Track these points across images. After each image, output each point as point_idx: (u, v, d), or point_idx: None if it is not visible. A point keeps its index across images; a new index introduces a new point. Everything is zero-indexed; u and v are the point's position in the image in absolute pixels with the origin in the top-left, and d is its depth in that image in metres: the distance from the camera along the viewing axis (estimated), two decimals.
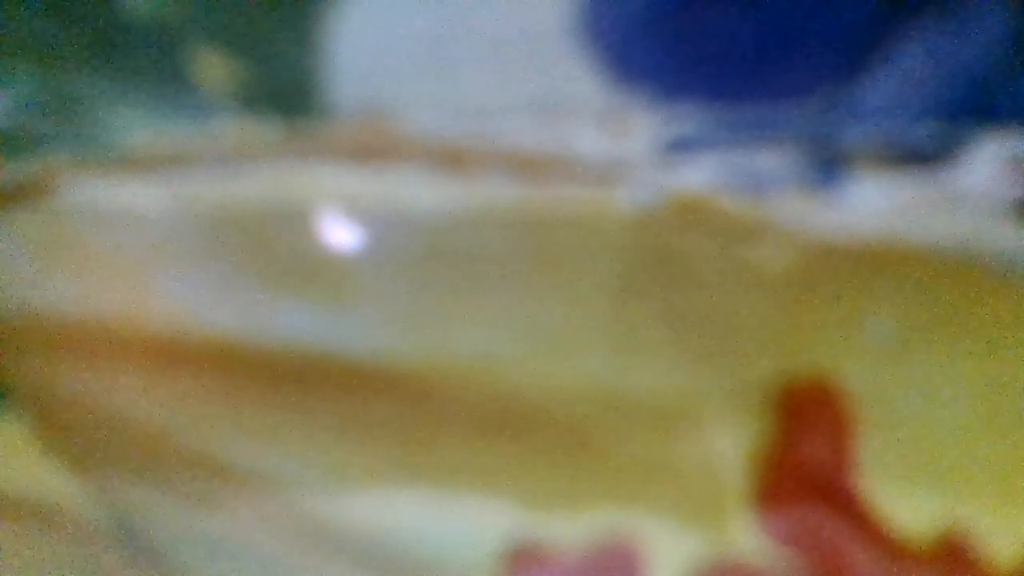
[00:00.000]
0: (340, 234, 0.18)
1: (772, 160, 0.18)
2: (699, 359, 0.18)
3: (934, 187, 0.18)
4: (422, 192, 0.18)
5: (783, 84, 0.17)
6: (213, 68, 0.18)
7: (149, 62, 0.18)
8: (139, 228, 0.18)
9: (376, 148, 0.18)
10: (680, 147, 0.18)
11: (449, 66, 0.17)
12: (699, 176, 0.18)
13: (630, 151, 0.18)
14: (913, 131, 0.17)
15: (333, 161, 0.18)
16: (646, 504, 0.18)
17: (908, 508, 0.18)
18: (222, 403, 0.19)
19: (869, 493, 0.18)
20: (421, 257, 0.18)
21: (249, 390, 0.19)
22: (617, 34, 0.17)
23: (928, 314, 0.18)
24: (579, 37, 0.17)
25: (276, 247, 0.18)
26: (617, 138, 0.18)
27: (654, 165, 0.18)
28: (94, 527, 0.20)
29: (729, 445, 0.18)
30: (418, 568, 0.19)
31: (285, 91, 0.18)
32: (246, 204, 0.18)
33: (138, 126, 0.18)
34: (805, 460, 0.18)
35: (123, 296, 0.19)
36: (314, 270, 0.18)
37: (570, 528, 0.19)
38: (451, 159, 0.18)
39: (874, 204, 0.18)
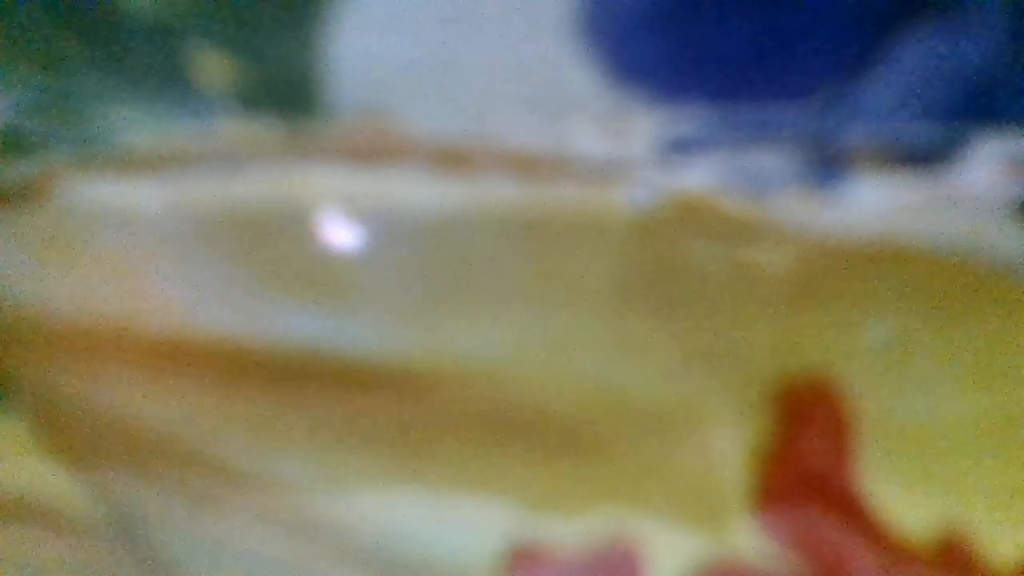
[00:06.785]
0: (340, 234, 0.18)
1: (772, 160, 0.18)
2: (699, 360, 0.18)
3: (934, 187, 0.18)
4: (422, 192, 0.18)
5: (783, 84, 0.17)
6: (213, 68, 0.18)
7: (149, 62, 0.18)
8: (139, 228, 0.18)
9: (376, 148, 0.18)
10: (680, 147, 0.18)
11: (449, 66, 0.17)
12: (699, 176, 0.18)
13: (630, 151, 0.18)
14: (913, 131, 0.18)
15: (333, 161, 0.18)
16: (646, 504, 0.18)
17: (908, 508, 0.18)
18: (222, 403, 0.19)
19: (869, 493, 0.18)
20: (421, 257, 0.18)
21: (249, 390, 0.19)
22: (617, 34, 0.17)
23: (928, 314, 0.18)
24: (579, 37, 0.17)
25: (276, 247, 0.18)
26: (617, 138, 0.18)
27: (654, 165, 0.18)
28: (94, 527, 0.20)
29: (729, 445, 0.18)
30: (418, 568, 0.19)
31: (285, 91, 0.18)
32: (246, 204, 0.18)
33: (138, 126, 0.18)
34: (805, 460, 0.18)
35: (123, 296, 0.19)
36: (314, 270, 0.18)
37: (570, 528, 0.19)
38: (451, 159, 0.18)
39: (874, 204, 0.18)
